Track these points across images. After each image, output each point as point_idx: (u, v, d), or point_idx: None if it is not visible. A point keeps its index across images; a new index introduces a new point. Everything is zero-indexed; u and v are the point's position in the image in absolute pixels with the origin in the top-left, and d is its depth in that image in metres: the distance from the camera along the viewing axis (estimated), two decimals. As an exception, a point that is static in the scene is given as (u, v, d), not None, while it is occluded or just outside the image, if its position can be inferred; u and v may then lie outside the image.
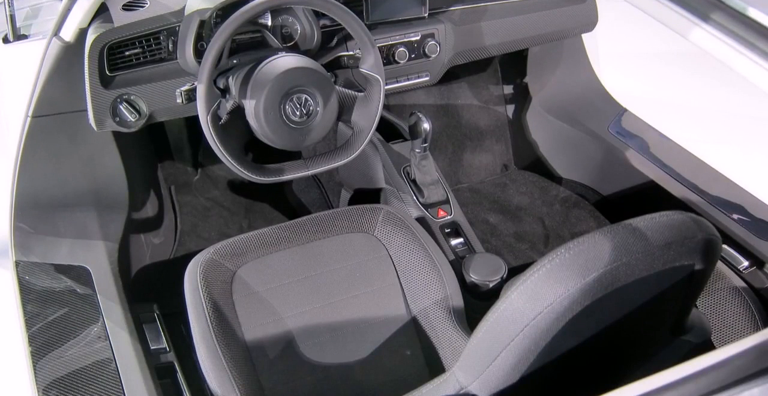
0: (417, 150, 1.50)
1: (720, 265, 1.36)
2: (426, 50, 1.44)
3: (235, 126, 1.19)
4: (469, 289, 1.36)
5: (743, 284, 1.32)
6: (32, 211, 1.35)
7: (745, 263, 1.37)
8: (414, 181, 1.57)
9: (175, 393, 1.20)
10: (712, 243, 0.74)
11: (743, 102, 2.39)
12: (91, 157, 1.40)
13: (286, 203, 1.96)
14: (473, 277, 1.34)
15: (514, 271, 1.47)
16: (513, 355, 0.73)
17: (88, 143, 1.36)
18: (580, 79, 1.89)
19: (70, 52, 1.17)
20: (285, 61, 1.13)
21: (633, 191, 1.70)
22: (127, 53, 1.21)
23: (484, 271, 1.34)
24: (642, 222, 0.72)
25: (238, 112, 1.17)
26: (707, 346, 0.90)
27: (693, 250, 0.73)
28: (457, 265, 1.39)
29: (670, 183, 1.56)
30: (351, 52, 1.33)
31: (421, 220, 1.52)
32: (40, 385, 1.08)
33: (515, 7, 1.56)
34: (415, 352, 1.22)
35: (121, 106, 1.20)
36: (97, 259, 1.31)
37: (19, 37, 1.48)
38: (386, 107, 2.01)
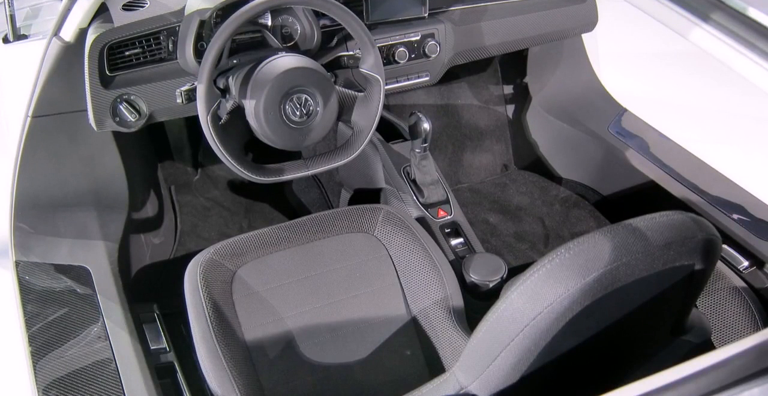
0: (417, 150, 1.50)
1: (720, 265, 1.36)
2: (426, 50, 1.44)
3: (235, 126, 1.19)
4: (469, 289, 1.36)
5: (743, 284, 1.32)
6: (32, 211, 1.35)
7: (745, 263, 1.37)
8: (414, 181, 1.57)
9: (175, 393, 1.20)
10: (712, 243, 0.74)
11: (743, 102, 2.39)
12: (91, 157, 1.40)
13: (286, 203, 1.96)
14: (473, 277, 1.34)
15: (514, 271, 1.47)
16: (513, 355, 0.73)
17: (88, 143, 1.36)
18: (580, 79, 1.89)
19: (70, 52, 1.17)
20: (285, 61, 1.13)
21: (633, 191, 1.70)
22: (127, 53, 1.21)
23: (484, 271, 1.34)
24: (642, 222, 0.72)
25: (238, 112, 1.17)
26: (707, 346, 0.90)
27: (693, 250, 0.73)
28: (457, 265, 1.39)
29: (670, 183, 1.56)
30: (351, 52, 1.33)
31: (421, 220, 1.52)
32: (40, 385, 1.08)
33: (515, 7, 1.56)
34: (415, 352, 1.22)
35: (121, 106, 1.20)
36: (97, 259, 1.31)
37: (19, 37, 1.48)
38: (386, 107, 2.01)
